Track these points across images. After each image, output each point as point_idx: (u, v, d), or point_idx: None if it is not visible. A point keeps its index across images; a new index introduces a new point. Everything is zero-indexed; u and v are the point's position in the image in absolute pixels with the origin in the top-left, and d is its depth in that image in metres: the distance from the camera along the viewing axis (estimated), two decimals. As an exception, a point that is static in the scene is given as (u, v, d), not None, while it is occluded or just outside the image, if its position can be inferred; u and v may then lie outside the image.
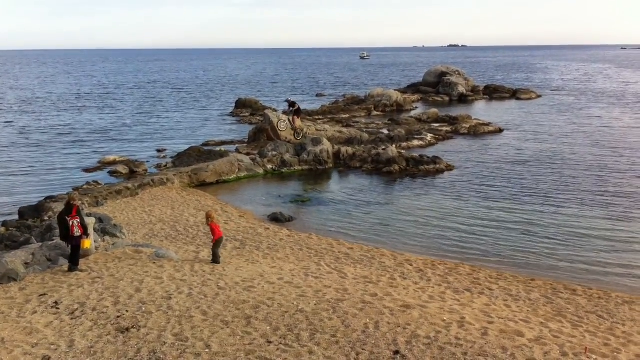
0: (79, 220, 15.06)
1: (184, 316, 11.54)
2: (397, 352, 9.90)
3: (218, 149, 40.71)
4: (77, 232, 15.02)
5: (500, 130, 50.24)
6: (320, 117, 59.77)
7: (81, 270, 15.04)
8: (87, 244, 15.50)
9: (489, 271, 19.13)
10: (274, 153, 36.93)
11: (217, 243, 16.20)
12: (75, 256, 15.26)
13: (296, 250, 20.37)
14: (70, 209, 15.15)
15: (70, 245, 15.29)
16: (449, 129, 51.18)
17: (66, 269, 15.31)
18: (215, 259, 16.18)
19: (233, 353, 9.90)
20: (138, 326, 11.08)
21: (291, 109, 39.64)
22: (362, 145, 40.57)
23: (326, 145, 37.67)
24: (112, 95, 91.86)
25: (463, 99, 76.12)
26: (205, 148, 41.58)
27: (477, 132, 49.43)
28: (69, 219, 14.96)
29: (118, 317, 11.61)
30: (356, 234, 23.73)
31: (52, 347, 10.39)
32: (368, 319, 11.38)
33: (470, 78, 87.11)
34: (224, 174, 33.73)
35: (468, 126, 51.07)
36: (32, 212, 25.91)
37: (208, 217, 16.39)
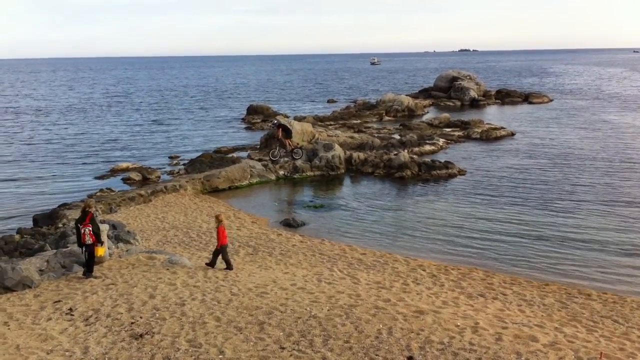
0: (90, 229, 15.13)
1: (197, 322, 11.58)
2: (410, 358, 9.88)
3: (230, 155, 40.80)
4: (89, 240, 15.11)
5: (512, 135, 50.05)
6: (332, 122, 59.77)
7: (95, 277, 15.12)
8: (101, 251, 15.59)
9: (502, 276, 19.04)
10: (286, 159, 36.99)
11: (221, 249, 16.19)
12: (89, 263, 15.36)
13: (309, 255, 20.37)
14: (84, 216, 15.26)
15: (84, 252, 15.41)
16: (460, 133, 51.05)
17: (81, 275, 15.42)
18: (229, 265, 16.19)
19: (246, 359, 9.93)
20: (152, 332, 11.13)
21: (280, 133, 35.85)
22: (374, 151, 40.54)
23: (338, 150, 37.68)
24: (124, 103, 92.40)
25: (475, 104, 75.88)
26: (217, 154, 41.75)
27: (489, 136, 49.27)
28: (81, 226, 15.06)
29: (132, 323, 11.66)
30: (369, 240, 23.70)
31: (67, 353, 10.47)
32: (381, 324, 11.37)
33: (482, 82, 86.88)
34: (236, 180, 33.82)
35: (480, 131, 50.91)
36: (46, 220, 26.08)
37: (218, 219, 16.33)
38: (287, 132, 35.94)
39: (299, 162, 36.17)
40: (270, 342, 10.61)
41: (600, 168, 35.78)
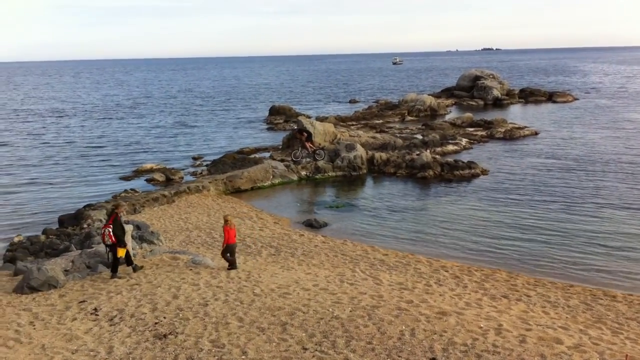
0: (110, 229, 15.33)
1: (220, 323, 11.64)
2: (433, 359, 9.84)
3: (252, 156, 40.95)
4: (108, 240, 15.32)
5: (536, 134, 49.60)
6: (354, 122, 59.75)
7: (119, 277, 15.29)
8: (121, 252, 15.77)
9: (526, 277, 18.88)
10: (308, 159, 37.03)
11: (227, 249, 16.17)
12: (113, 263, 15.55)
13: (331, 256, 20.38)
14: (109, 217, 15.47)
15: (108, 253, 15.62)
16: (483, 133, 50.73)
17: (105, 276, 15.62)
18: (232, 265, 16.22)
19: (269, 359, 9.96)
20: (175, 332, 11.22)
21: (302, 137, 35.47)
22: (396, 151, 40.42)
23: (360, 151, 37.65)
24: (147, 105, 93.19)
25: (498, 103, 75.31)
26: (240, 155, 41.94)
27: (513, 136, 48.88)
28: (102, 227, 15.28)
29: (156, 323, 11.76)
30: (391, 240, 23.64)
31: (92, 353, 10.59)
32: (404, 325, 11.33)
33: (505, 81, 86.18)
34: (259, 181, 33.94)
35: (503, 130, 50.53)
36: (71, 220, 26.41)
37: (224, 219, 16.31)
38: (309, 135, 35.83)
39: (320, 163, 36.16)
40: (293, 342, 10.64)
41: (624, 169, 35.26)
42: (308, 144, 34.28)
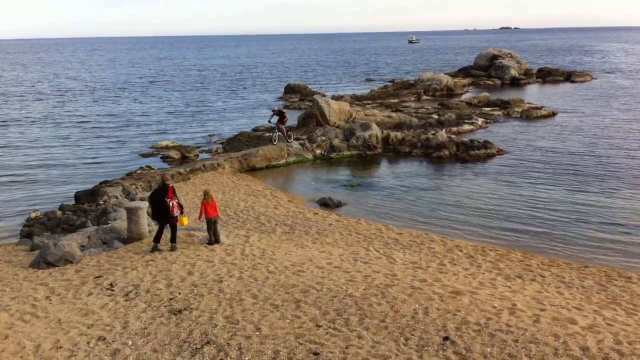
0: (177, 201, 15.62)
1: (234, 299, 11.73)
2: (446, 338, 9.85)
3: (267, 134, 40.96)
4: (177, 212, 15.54)
5: (554, 114, 49.13)
6: (369, 102, 59.48)
7: (174, 249, 15.59)
8: (185, 221, 16.10)
9: (540, 258, 18.80)
10: (323, 138, 36.98)
11: (207, 222, 16.23)
12: (174, 235, 15.87)
13: (345, 235, 20.40)
14: (166, 189, 15.60)
15: (168, 225, 15.85)
16: (500, 113, 50.36)
17: (122, 252, 15.76)
18: (211, 239, 16.32)
19: (283, 336, 10.02)
20: (190, 308, 11.32)
21: (276, 117, 36.54)
22: (412, 130, 40.24)
23: (375, 130, 37.51)
24: (163, 82, 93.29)
25: (515, 83, 74.64)
26: (255, 133, 41.95)
27: (530, 116, 48.45)
28: (168, 200, 15.40)
29: (171, 299, 11.87)
30: (405, 220, 23.60)
31: (107, 328, 10.72)
32: (417, 304, 11.35)
33: (523, 61, 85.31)
34: (274, 159, 33.96)
35: (520, 110, 50.12)
36: (87, 197, 26.59)
37: (204, 194, 16.29)
38: (281, 119, 36.24)
39: (336, 142, 36.13)
40: (306, 319, 10.69)
41: (644, 149, 34.91)
42: (282, 126, 34.96)
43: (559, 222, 22.61)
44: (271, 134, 37.56)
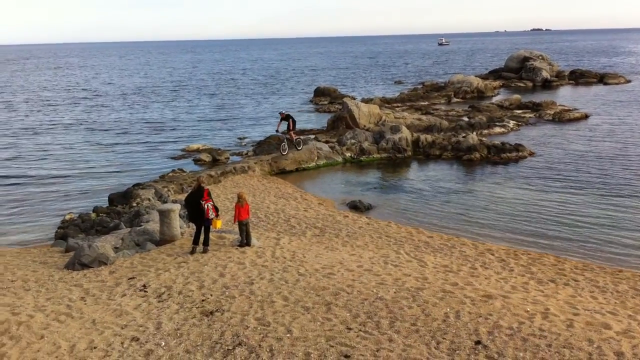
0: (212, 203, 15.78)
1: (265, 301, 11.79)
2: (478, 342, 9.78)
3: (296, 137, 41.05)
4: (212, 214, 15.71)
5: (586, 117, 48.40)
6: (399, 104, 59.29)
7: (206, 252, 15.76)
8: (219, 224, 16.21)
9: (574, 262, 18.55)
10: (353, 141, 36.95)
11: (239, 225, 16.37)
12: (207, 237, 16.03)
13: (375, 238, 20.37)
14: (201, 192, 15.77)
15: (202, 227, 15.95)
16: (532, 115, 49.80)
17: (154, 253, 15.94)
18: (243, 241, 16.45)
19: (313, 338, 10.05)
20: (222, 310, 11.41)
21: (285, 121, 34.63)
22: (442, 133, 40.02)
23: (405, 133, 37.37)
24: (195, 86, 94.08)
25: (547, 85, 73.71)
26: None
27: (562, 118, 47.79)
28: (203, 202, 15.56)
29: (203, 300, 11.98)
30: (436, 223, 23.47)
31: (141, 328, 10.86)
32: (448, 308, 11.29)
33: (555, 63, 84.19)
34: (304, 162, 34.06)
35: (552, 112, 49.49)
36: (121, 199, 26.96)
37: (238, 197, 16.37)
38: (294, 124, 34.63)
39: (365, 145, 36.06)
40: (337, 322, 10.71)
41: (680, 152, 34.20)
42: (292, 133, 33.84)
43: (591, 227, 22.26)
44: (281, 142, 34.96)
